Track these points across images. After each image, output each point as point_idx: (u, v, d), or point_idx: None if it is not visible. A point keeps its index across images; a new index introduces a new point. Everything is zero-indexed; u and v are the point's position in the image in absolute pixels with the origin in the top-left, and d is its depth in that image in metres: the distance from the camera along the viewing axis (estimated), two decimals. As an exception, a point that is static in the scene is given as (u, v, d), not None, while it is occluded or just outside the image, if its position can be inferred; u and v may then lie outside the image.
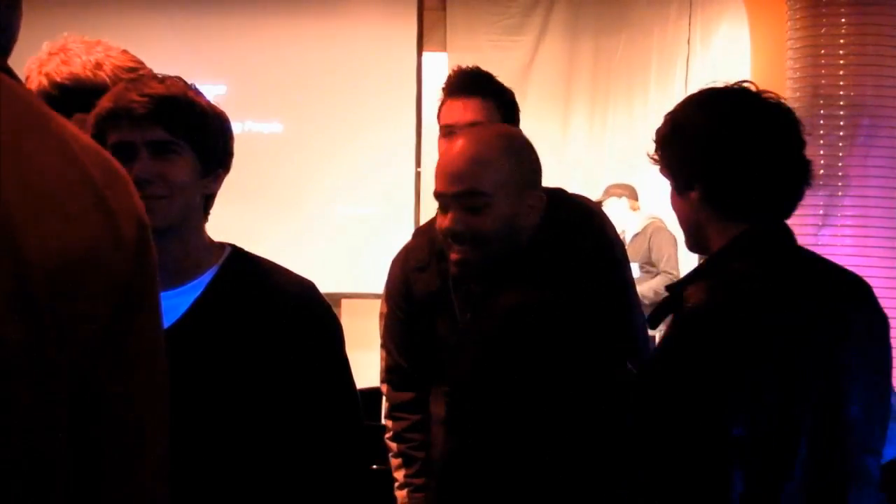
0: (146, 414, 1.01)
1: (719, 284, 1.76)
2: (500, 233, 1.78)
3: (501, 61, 6.98)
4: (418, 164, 6.58)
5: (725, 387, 1.67)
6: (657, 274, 6.55)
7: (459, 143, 1.82)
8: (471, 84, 2.43)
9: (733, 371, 1.68)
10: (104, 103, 1.63)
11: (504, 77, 2.53)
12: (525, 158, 1.85)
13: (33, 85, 1.87)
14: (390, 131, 6.56)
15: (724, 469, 1.65)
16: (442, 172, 1.82)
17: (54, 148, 0.95)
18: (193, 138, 1.62)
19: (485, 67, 2.50)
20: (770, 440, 1.68)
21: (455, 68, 2.51)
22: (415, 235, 2.59)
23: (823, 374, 1.74)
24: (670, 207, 1.91)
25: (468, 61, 2.57)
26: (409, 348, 2.50)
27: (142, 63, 1.90)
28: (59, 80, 1.82)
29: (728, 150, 1.78)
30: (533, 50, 7.33)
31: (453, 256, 1.80)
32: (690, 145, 1.81)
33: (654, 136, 1.89)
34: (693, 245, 1.92)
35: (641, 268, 6.57)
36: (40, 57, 1.90)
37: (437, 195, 1.84)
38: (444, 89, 2.47)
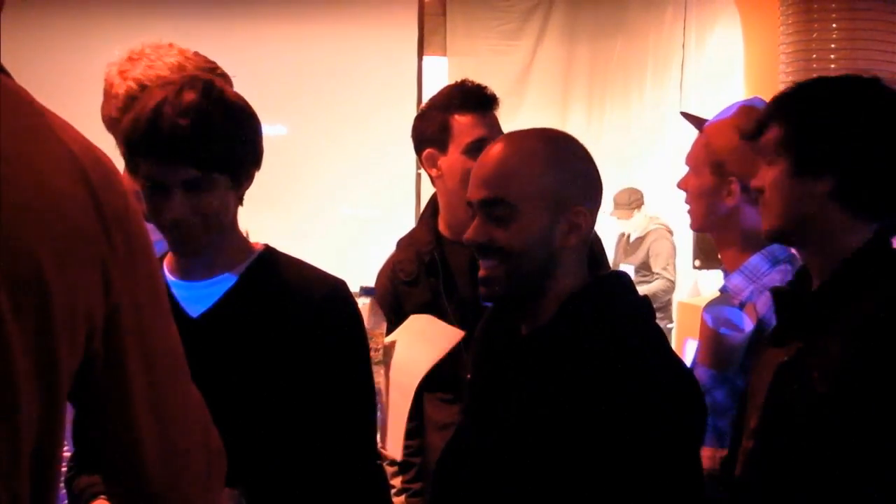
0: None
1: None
2: (528, 250, 1.57)
3: (500, 65, 7.04)
4: (418, 166, 6.62)
5: None
6: (655, 279, 6.62)
7: (496, 146, 1.62)
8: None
9: None
10: (131, 134, 1.61)
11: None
12: (571, 169, 1.62)
13: (120, 90, 1.94)
14: (391, 134, 6.60)
15: None
16: (472, 176, 1.63)
17: (49, 142, 0.94)
18: (223, 166, 1.62)
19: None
20: None
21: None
22: (400, 248, 2.53)
23: None
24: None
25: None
26: None
27: (214, 63, 1.96)
28: (148, 83, 1.88)
29: (876, 142, 1.67)
30: (531, 54, 7.41)
31: (480, 273, 1.61)
32: (836, 128, 1.68)
33: (773, 105, 1.76)
34: (785, 234, 1.76)
35: (637, 272, 6.64)
36: (119, 64, 1.97)
37: (467, 202, 1.64)
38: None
